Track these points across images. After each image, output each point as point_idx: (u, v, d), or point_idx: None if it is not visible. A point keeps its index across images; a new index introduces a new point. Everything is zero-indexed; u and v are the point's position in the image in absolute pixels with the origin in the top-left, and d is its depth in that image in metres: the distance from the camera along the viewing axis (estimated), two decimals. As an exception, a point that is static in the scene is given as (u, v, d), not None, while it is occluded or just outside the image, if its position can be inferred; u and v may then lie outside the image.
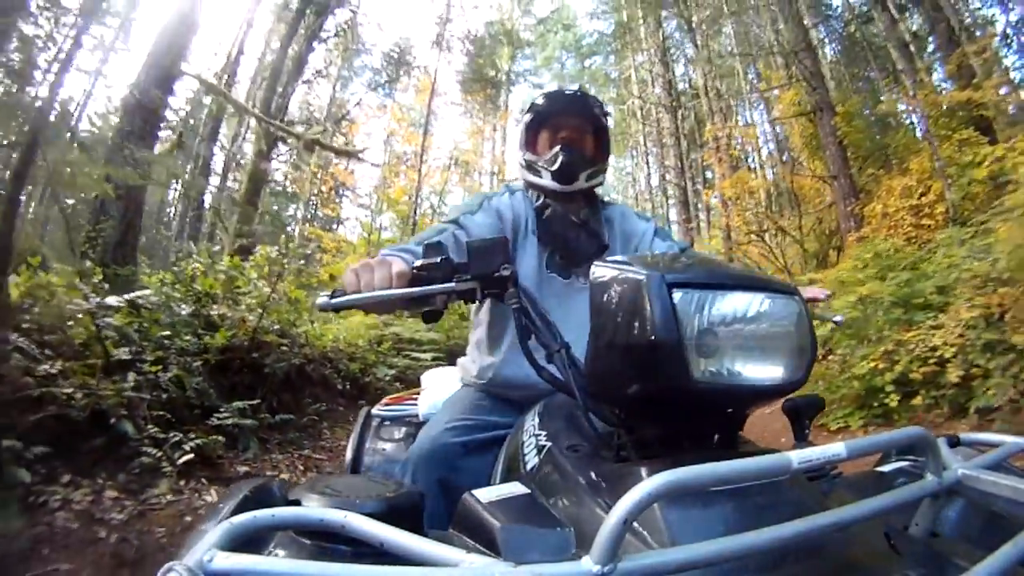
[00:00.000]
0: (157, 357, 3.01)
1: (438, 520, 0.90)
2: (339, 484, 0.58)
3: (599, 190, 1.37)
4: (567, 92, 1.26)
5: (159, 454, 2.55)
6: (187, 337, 3.32)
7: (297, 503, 0.55)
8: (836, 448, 0.46)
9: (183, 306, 3.61)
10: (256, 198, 8.03)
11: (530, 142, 1.30)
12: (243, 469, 2.98)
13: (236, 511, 0.48)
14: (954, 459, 0.61)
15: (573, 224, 1.23)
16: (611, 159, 1.36)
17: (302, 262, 4.62)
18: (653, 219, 1.39)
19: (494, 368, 1.21)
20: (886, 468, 0.85)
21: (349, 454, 1.60)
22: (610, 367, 0.64)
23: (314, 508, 0.48)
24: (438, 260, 0.76)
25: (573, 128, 1.25)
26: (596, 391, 0.69)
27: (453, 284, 0.75)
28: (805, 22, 10.22)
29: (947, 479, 0.54)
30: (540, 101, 1.27)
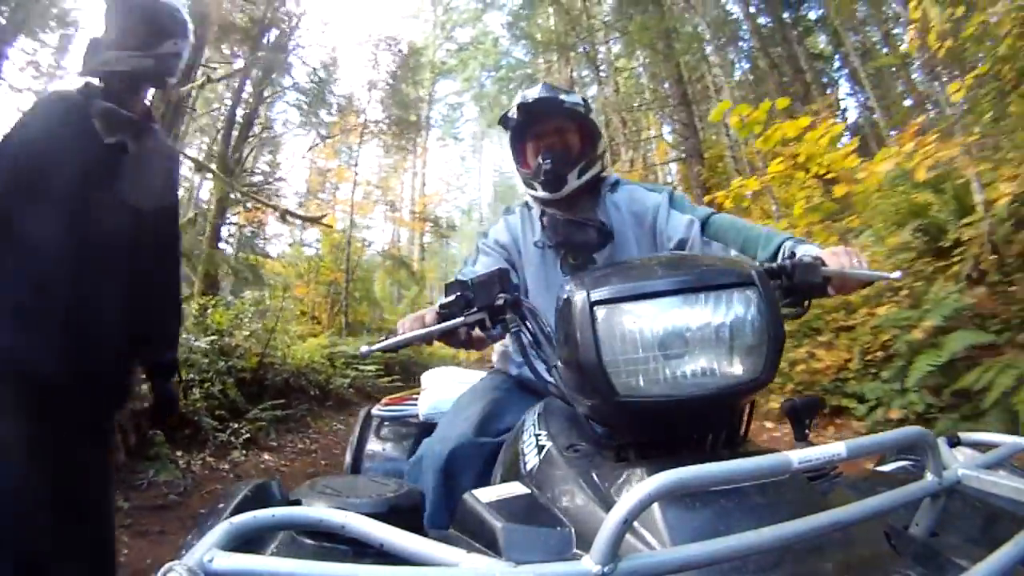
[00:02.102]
0: (203, 377, 4.19)
1: (447, 520, 0.90)
2: (339, 484, 0.58)
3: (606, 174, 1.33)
4: (533, 98, 1.20)
5: (226, 438, 3.97)
6: (219, 363, 4.44)
7: (297, 503, 0.55)
8: (836, 448, 0.46)
9: (198, 337, 4.46)
10: (217, 242, 8.54)
11: (520, 159, 1.29)
12: (274, 443, 4.43)
13: (236, 511, 0.48)
14: (954, 459, 0.61)
15: (572, 223, 1.22)
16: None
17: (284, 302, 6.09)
18: (666, 189, 1.29)
19: (510, 363, 1.24)
20: (886, 468, 0.85)
21: (349, 454, 1.61)
22: (571, 383, 0.67)
23: (314, 508, 0.48)
24: (454, 298, 0.85)
25: (552, 132, 1.23)
26: (577, 403, 0.71)
27: (462, 319, 0.84)
28: (684, 76, 11.25)
29: (947, 479, 0.54)
30: (513, 115, 1.23)
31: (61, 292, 1.19)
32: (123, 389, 1.35)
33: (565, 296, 0.63)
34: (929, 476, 0.53)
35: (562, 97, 1.20)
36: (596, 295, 0.58)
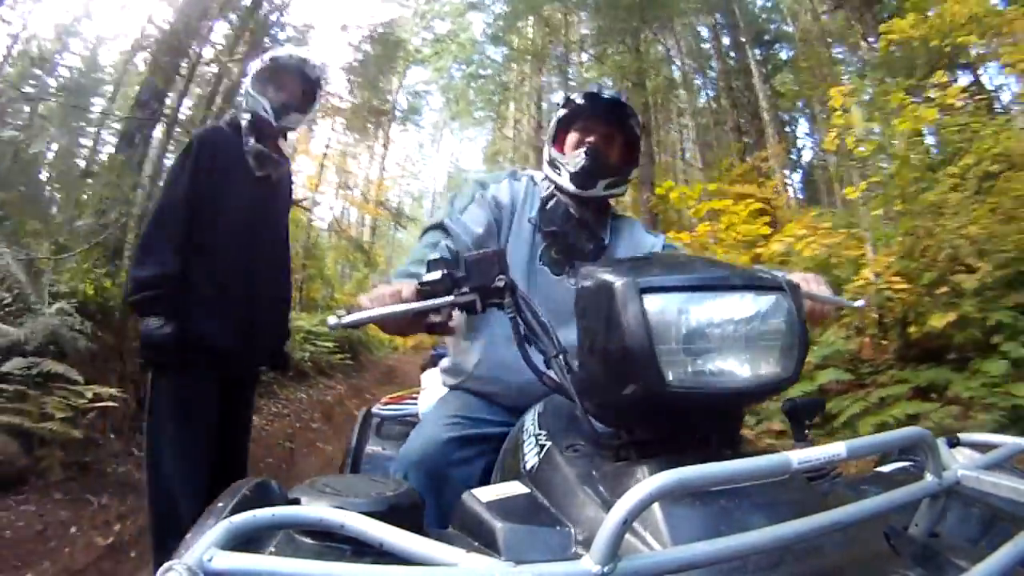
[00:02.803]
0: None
1: (430, 518, 0.90)
2: (339, 484, 0.58)
3: (614, 202, 1.35)
4: (605, 96, 1.21)
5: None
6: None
7: (297, 502, 0.55)
8: (836, 448, 0.46)
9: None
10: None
11: (558, 139, 1.27)
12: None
13: (236, 510, 0.48)
14: (954, 459, 0.61)
15: (574, 220, 1.22)
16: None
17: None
18: (662, 235, 1.36)
19: (473, 370, 1.21)
20: (886, 468, 0.85)
21: (349, 454, 1.60)
22: (594, 373, 0.64)
23: (314, 507, 0.48)
24: (439, 276, 0.79)
25: (603, 133, 1.22)
26: (588, 396, 0.69)
27: (452, 298, 0.78)
28: (649, 103, 11.83)
29: (947, 479, 0.54)
30: (577, 99, 1.23)
31: (236, 290, 1.66)
32: (275, 355, 1.91)
33: (598, 281, 0.61)
34: (929, 476, 0.53)
35: (629, 112, 1.21)
36: (645, 282, 0.57)
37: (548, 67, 15.14)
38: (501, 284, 0.77)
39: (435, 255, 0.88)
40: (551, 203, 1.23)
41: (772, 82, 11.77)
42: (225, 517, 0.44)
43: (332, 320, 0.78)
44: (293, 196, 2.01)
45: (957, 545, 0.55)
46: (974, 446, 0.77)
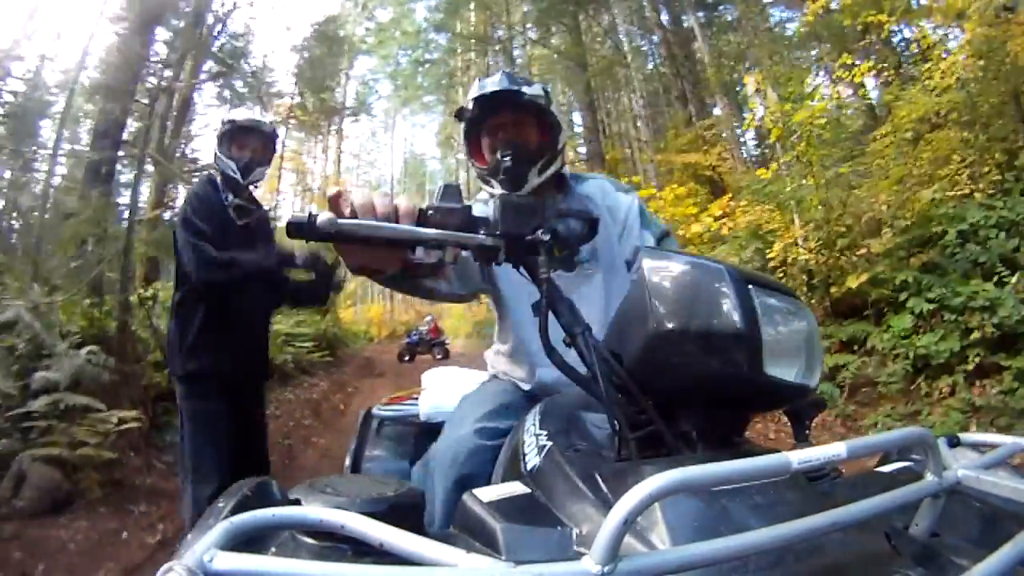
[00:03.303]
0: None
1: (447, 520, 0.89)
2: (339, 484, 0.58)
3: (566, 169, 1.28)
4: (491, 90, 1.13)
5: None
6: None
7: (297, 502, 0.55)
8: (836, 448, 0.46)
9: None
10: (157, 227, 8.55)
11: (474, 152, 1.22)
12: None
13: (236, 510, 0.48)
14: (954, 459, 0.61)
15: (558, 213, 1.19)
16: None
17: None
18: (634, 192, 1.29)
19: (507, 364, 1.21)
20: (886, 468, 0.85)
21: (349, 454, 1.61)
22: (670, 355, 0.64)
23: (314, 508, 0.48)
24: (457, 206, 0.65)
25: (510, 125, 1.16)
26: (631, 378, 0.67)
27: (479, 236, 0.65)
28: (591, 84, 12.59)
29: (947, 479, 0.54)
30: (469, 107, 1.16)
31: (234, 327, 1.97)
32: (266, 376, 2.27)
33: (694, 267, 0.63)
34: (929, 476, 0.53)
35: (522, 89, 1.13)
36: (743, 275, 0.61)
37: (493, 50, 15.26)
38: (545, 238, 0.67)
39: (449, 183, 0.72)
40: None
41: (717, 43, 12.01)
42: (225, 517, 0.44)
43: (323, 218, 0.58)
44: (274, 236, 2.21)
45: (958, 545, 0.55)
46: (974, 446, 0.77)
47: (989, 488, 0.57)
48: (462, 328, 15.90)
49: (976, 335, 3.34)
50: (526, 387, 1.19)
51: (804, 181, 5.08)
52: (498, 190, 1.16)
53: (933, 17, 5.51)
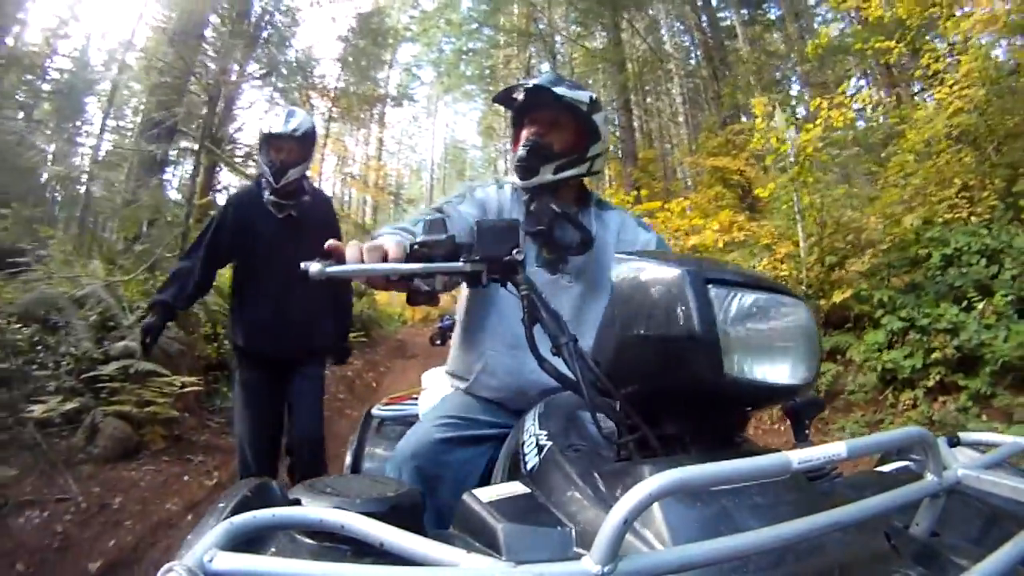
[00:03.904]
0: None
1: (428, 516, 0.90)
2: (339, 484, 0.58)
3: (596, 188, 1.35)
4: (529, 85, 1.18)
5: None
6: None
7: (297, 502, 0.55)
8: (836, 448, 0.46)
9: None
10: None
11: (515, 139, 1.29)
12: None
13: (236, 511, 0.48)
14: (954, 459, 0.61)
15: (562, 216, 1.18)
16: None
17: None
18: (654, 233, 1.32)
19: (475, 372, 1.21)
20: (886, 468, 0.85)
21: (349, 454, 1.61)
22: (635, 361, 0.65)
23: (314, 508, 0.48)
24: (442, 237, 0.71)
25: (546, 123, 1.20)
26: (613, 385, 0.67)
27: (459, 264, 0.71)
28: (628, 85, 12.60)
29: (947, 479, 0.54)
30: (515, 96, 1.21)
31: (267, 306, 2.18)
32: (317, 352, 2.38)
33: (657, 270, 0.63)
34: (929, 476, 0.53)
35: (559, 90, 1.15)
36: (710, 274, 0.59)
37: (534, 46, 15.42)
38: (519, 258, 0.72)
39: (439, 217, 0.80)
40: (534, 205, 1.22)
41: (762, 40, 11.87)
42: (225, 518, 0.44)
43: (314, 268, 0.70)
44: (328, 217, 2.41)
45: (958, 544, 0.55)
46: (974, 445, 0.77)
47: (989, 488, 0.57)
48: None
49: (938, 355, 3.56)
50: (497, 401, 1.20)
51: (800, 200, 5.30)
52: (512, 178, 1.22)
53: (944, 42, 5.62)
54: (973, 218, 4.30)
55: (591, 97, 1.18)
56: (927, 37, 5.76)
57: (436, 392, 1.59)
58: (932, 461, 0.53)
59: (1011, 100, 4.64)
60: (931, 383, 3.57)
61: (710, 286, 0.58)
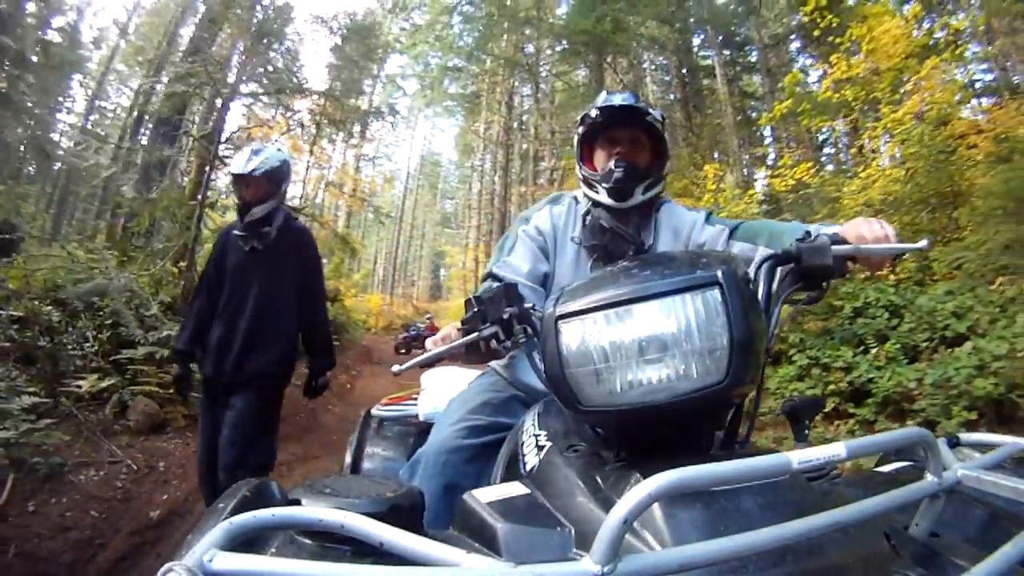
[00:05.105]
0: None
1: (443, 522, 0.90)
2: (339, 484, 0.58)
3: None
4: (619, 104, 1.20)
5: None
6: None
7: (297, 503, 0.55)
8: (836, 448, 0.46)
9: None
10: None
11: (585, 156, 1.28)
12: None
13: (236, 511, 0.48)
14: (954, 459, 0.61)
15: (614, 232, 1.22)
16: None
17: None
18: (704, 210, 1.34)
19: (509, 368, 1.21)
20: (886, 468, 0.85)
21: (349, 454, 1.60)
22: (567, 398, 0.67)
23: (314, 508, 0.48)
24: (473, 313, 0.86)
25: (628, 141, 1.22)
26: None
27: (476, 333, 0.84)
28: None
29: (947, 479, 0.54)
30: (593, 114, 1.22)
31: (221, 334, 2.23)
32: (251, 381, 2.24)
33: (542, 312, 0.66)
34: (929, 476, 0.53)
35: (647, 109, 1.19)
36: (560, 310, 0.62)
37: (519, 73, 16.25)
38: (506, 316, 0.82)
39: (476, 295, 0.92)
40: (589, 218, 1.25)
41: (739, 82, 12.54)
42: (225, 518, 0.44)
43: (396, 368, 0.88)
44: (300, 250, 2.39)
45: (957, 545, 0.55)
46: (974, 446, 0.77)
47: (989, 488, 0.57)
48: (457, 328, 16.12)
49: (834, 387, 4.35)
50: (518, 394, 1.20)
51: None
52: (604, 199, 1.22)
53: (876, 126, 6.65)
54: (891, 276, 4.97)
55: (662, 116, 1.23)
56: (868, 117, 6.90)
57: (436, 392, 1.59)
58: (932, 461, 0.53)
59: (939, 174, 5.58)
60: (828, 409, 4.28)
61: (562, 323, 0.61)
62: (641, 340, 0.57)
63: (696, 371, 0.56)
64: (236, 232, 2.28)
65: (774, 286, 0.79)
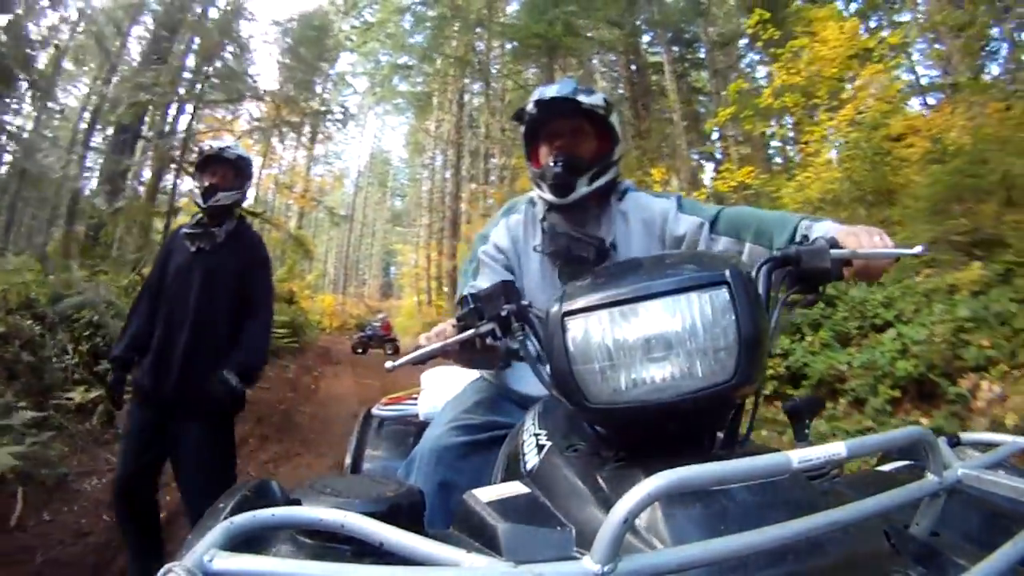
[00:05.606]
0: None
1: (439, 520, 0.90)
2: (339, 484, 0.58)
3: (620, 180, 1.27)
4: (552, 97, 1.12)
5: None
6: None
7: (297, 503, 0.55)
8: (836, 448, 0.46)
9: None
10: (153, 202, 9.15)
11: (531, 154, 1.23)
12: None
13: (236, 511, 0.48)
14: (954, 459, 0.61)
15: (570, 237, 1.16)
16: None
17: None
18: (675, 195, 1.24)
19: (499, 377, 1.20)
20: (886, 468, 0.85)
21: (349, 454, 1.60)
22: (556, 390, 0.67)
23: (314, 508, 0.48)
24: (468, 310, 0.85)
25: (568, 132, 1.16)
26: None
27: (474, 330, 0.83)
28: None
29: (947, 479, 0.54)
30: (530, 109, 1.15)
31: (178, 351, 2.01)
32: (200, 406, 1.99)
33: (547, 309, 0.66)
34: (929, 476, 0.53)
35: (581, 97, 1.11)
36: (567, 306, 0.61)
37: (471, 75, 16.40)
38: (504, 313, 0.81)
39: (467, 293, 0.90)
40: (547, 225, 1.19)
41: (688, 78, 12.85)
42: (225, 518, 0.44)
43: (389, 364, 0.85)
44: (248, 263, 2.20)
45: (958, 544, 0.55)
46: (974, 445, 0.77)
47: (989, 488, 0.57)
48: (412, 327, 15.94)
49: (772, 371, 4.57)
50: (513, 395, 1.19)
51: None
52: (548, 196, 1.16)
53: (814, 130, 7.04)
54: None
55: (605, 99, 1.15)
56: (810, 120, 7.28)
57: (436, 392, 1.59)
58: (932, 461, 0.53)
59: (875, 173, 5.95)
60: (768, 391, 4.58)
61: (569, 320, 0.60)
62: (647, 338, 0.57)
63: (702, 370, 0.57)
64: (186, 230, 2.15)
65: (772, 288, 0.79)
